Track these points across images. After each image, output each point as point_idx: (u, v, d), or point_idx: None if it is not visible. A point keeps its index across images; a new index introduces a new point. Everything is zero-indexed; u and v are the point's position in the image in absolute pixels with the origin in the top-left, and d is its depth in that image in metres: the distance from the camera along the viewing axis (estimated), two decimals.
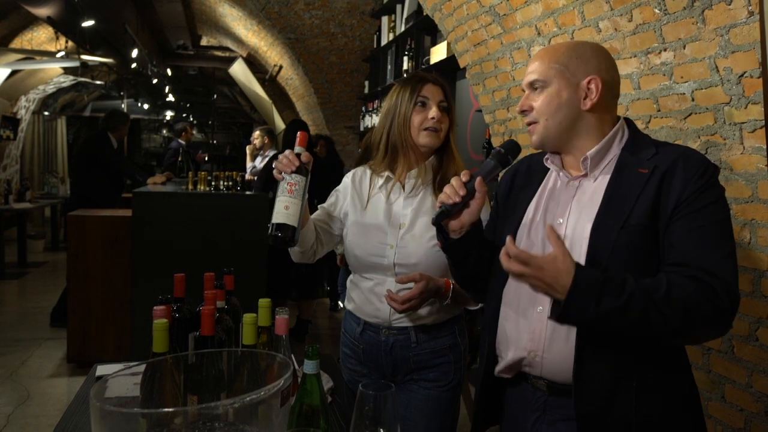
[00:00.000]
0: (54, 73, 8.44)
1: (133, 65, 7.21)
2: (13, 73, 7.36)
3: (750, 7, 1.49)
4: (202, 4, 7.24)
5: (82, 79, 8.71)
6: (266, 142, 5.70)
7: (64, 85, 9.59)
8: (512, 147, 1.30)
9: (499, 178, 1.46)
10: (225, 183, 3.81)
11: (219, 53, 9.88)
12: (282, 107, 9.70)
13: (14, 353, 4.06)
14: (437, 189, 1.63)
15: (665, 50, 1.80)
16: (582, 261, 1.13)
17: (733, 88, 1.60)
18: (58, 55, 6.75)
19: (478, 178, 1.24)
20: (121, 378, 1.01)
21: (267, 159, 5.14)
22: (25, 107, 9.11)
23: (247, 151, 6.09)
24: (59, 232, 8.35)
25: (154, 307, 1.18)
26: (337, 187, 1.78)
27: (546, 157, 1.30)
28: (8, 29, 6.60)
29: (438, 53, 3.77)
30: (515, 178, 1.40)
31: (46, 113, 10.39)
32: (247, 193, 3.86)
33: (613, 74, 1.23)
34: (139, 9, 7.28)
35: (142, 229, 3.39)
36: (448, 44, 3.42)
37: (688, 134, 1.81)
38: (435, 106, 1.61)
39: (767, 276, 1.64)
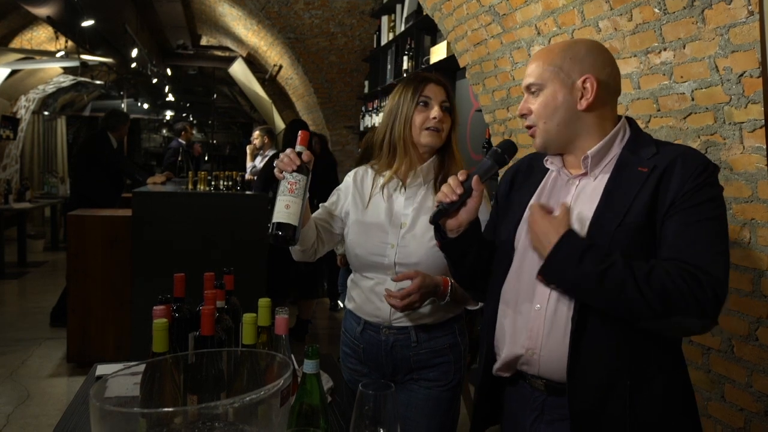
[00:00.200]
0: (54, 73, 8.44)
1: (133, 65, 7.21)
2: (13, 72, 7.36)
3: (750, 7, 1.49)
4: (201, 3, 7.24)
5: (82, 79, 8.70)
6: (266, 141, 5.70)
7: (63, 84, 9.59)
8: (509, 146, 1.30)
9: (499, 178, 1.47)
10: (225, 183, 3.81)
11: (219, 53, 9.88)
12: (282, 107, 9.70)
13: (14, 353, 4.06)
14: (438, 189, 1.63)
15: (665, 50, 1.80)
16: None
17: (732, 87, 1.60)
18: (58, 54, 6.75)
19: (475, 177, 1.24)
20: (120, 378, 1.01)
21: (267, 158, 5.14)
22: (24, 107, 9.11)
23: (247, 151, 6.10)
24: (59, 232, 8.35)
25: (154, 307, 1.18)
26: (338, 186, 1.78)
27: (546, 158, 1.30)
28: (8, 29, 6.60)
29: (438, 53, 3.77)
30: (516, 177, 1.40)
31: (46, 113, 10.39)
32: (247, 192, 3.86)
33: (609, 71, 1.22)
34: (138, 9, 7.28)
35: (142, 228, 3.39)
36: (448, 44, 3.42)
37: (688, 134, 1.81)
38: (437, 106, 1.62)
39: (767, 276, 1.64)
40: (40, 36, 7.20)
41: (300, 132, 1.53)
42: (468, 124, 3.76)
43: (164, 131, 14.94)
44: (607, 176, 1.20)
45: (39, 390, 3.49)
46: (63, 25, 5.35)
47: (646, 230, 1.13)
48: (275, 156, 4.51)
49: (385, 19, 5.27)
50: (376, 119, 5.32)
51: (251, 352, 1.13)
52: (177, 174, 5.69)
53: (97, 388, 0.89)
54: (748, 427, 1.71)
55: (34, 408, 3.25)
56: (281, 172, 1.46)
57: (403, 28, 4.67)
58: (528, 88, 1.25)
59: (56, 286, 5.49)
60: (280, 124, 9.74)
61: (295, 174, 1.44)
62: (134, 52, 6.90)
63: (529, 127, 1.27)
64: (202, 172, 3.83)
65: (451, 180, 1.25)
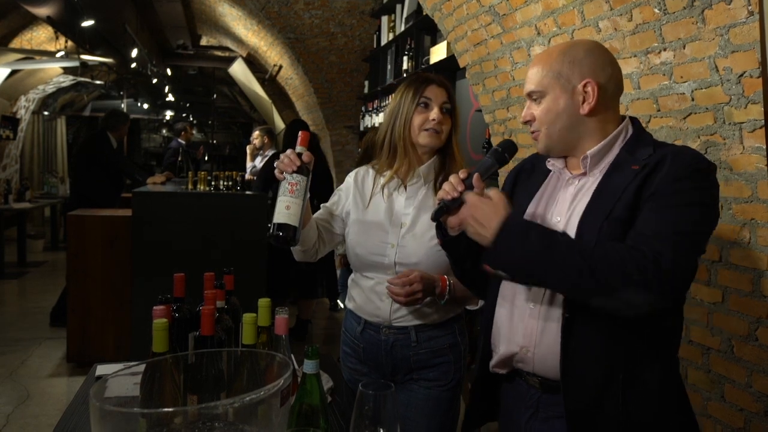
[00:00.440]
0: (54, 73, 8.43)
1: (133, 65, 7.20)
2: (13, 72, 7.36)
3: (750, 7, 1.49)
4: (201, 3, 7.24)
5: (82, 79, 8.70)
6: (266, 141, 5.70)
7: (63, 84, 9.59)
8: (509, 145, 1.31)
9: (498, 176, 1.47)
10: (225, 183, 3.81)
11: (219, 53, 9.88)
12: (282, 107, 9.69)
13: (14, 353, 4.06)
14: (439, 189, 1.64)
15: (665, 50, 1.80)
16: None
17: (732, 87, 1.60)
18: (58, 54, 6.75)
19: (476, 175, 1.25)
20: (120, 378, 1.01)
21: (267, 159, 5.14)
22: (24, 107, 9.10)
23: (247, 151, 6.09)
24: (59, 232, 8.35)
25: (154, 307, 1.18)
26: (339, 186, 1.79)
27: (549, 159, 1.30)
28: (8, 29, 6.60)
29: (438, 53, 3.77)
30: (519, 176, 1.41)
31: (46, 113, 10.39)
32: (247, 192, 3.85)
33: (610, 71, 1.22)
34: (138, 9, 7.27)
35: (142, 228, 3.39)
36: (448, 44, 3.41)
37: (687, 134, 1.81)
38: (437, 107, 1.62)
39: (767, 276, 1.64)
40: (40, 36, 7.20)
41: (300, 132, 1.53)
42: (468, 124, 3.76)
43: (164, 131, 14.93)
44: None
45: (39, 390, 3.49)
46: (63, 25, 5.35)
47: (629, 225, 1.12)
48: (275, 156, 4.51)
49: (385, 19, 5.26)
50: (376, 119, 5.32)
51: (251, 352, 1.13)
52: (177, 174, 5.69)
53: (97, 388, 0.89)
54: (748, 427, 1.71)
55: (33, 408, 3.25)
56: (282, 173, 1.46)
57: (403, 28, 4.67)
58: (529, 95, 1.25)
59: (56, 286, 5.48)
60: (280, 124, 9.74)
61: (295, 175, 1.44)
62: (134, 52, 6.90)
63: (533, 132, 1.27)
64: (202, 172, 3.83)
65: (452, 178, 1.25)
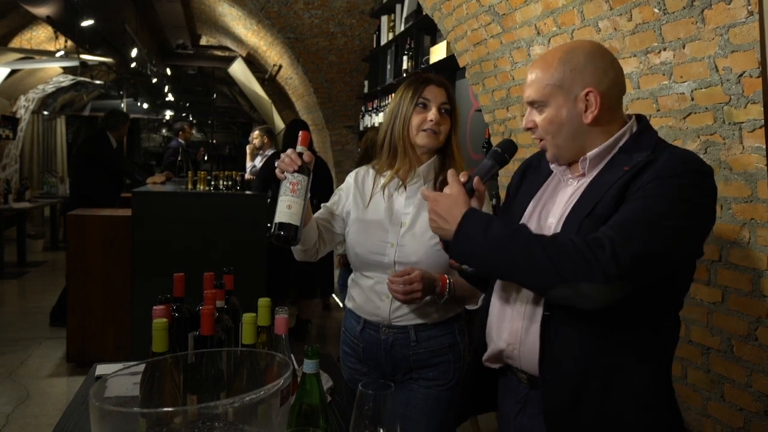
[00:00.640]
0: (53, 73, 8.43)
1: (133, 65, 7.20)
2: (13, 72, 7.35)
3: (749, 7, 1.49)
4: (201, 3, 7.24)
5: (82, 79, 8.70)
6: (266, 141, 5.70)
7: (63, 84, 9.59)
8: (509, 145, 1.30)
9: (498, 176, 1.47)
10: (224, 183, 3.80)
11: (218, 53, 9.88)
12: (281, 107, 9.69)
13: (14, 353, 4.06)
14: (438, 189, 1.64)
15: (665, 50, 1.80)
16: None
17: (732, 87, 1.60)
18: (58, 54, 6.75)
19: (476, 178, 1.25)
20: (120, 378, 1.01)
21: (266, 158, 5.14)
22: (24, 107, 9.10)
23: (247, 151, 6.09)
24: (59, 232, 8.35)
25: (154, 307, 1.18)
26: (340, 186, 1.80)
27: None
28: (8, 28, 6.60)
29: (437, 53, 3.77)
30: (526, 172, 1.40)
31: (46, 113, 10.39)
32: (247, 192, 3.85)
33: (612, 75, 1.20)
34: (138, 8, 7.27)
35: (142, 228, 3.39)
36: (448, 44, 3.41)
37: (687, 134, 1.81)
38: (435, 108, 1.62)
39: (766, 276, 1.64)
40: (40, 36, 7.20)
41: (300, 132, 1.54)
42: (468, 124, 3.76)
43: (164, 131, 14.93)
44: None
45: (38, 390, 3.49)
46: (63, 24, 5.35)
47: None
48: (275, 156, 4.51)
49: (384, 18, 5.26)
50: (376, 119, 5.32)
51: (251, 352, 1.13)
52: (177, 174, 5.69)
53: (96, 388, 0.89)
54: (748, 426, 1.71)
55: (33, 408, 3.25)
56: (283, 173, 1.46)
57: (402, 28, 4.66)
58: (531, 104, 1.24)
59: (56, 286, 5.48)
60: (279, 124, 9.74)
61: (296, 174, 1.44)
62: (134, 52, 6.90)
63: (538, 139, 1.26)
64: (202, 172, 3.83)
65: (450, 177, 1.25)
